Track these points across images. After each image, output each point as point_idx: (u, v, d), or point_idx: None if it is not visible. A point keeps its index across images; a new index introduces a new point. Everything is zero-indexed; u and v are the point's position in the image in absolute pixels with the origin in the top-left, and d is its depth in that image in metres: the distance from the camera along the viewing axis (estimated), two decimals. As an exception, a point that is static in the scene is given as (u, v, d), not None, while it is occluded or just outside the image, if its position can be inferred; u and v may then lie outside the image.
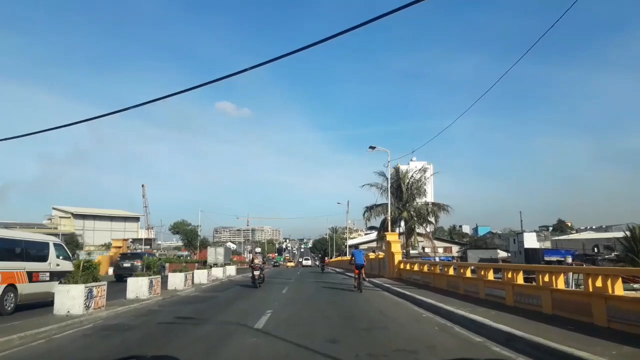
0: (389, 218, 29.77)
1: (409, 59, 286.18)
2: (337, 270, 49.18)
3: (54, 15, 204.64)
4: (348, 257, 54.44)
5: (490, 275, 12.70)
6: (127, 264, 27.87)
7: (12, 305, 11.68)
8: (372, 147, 28.71)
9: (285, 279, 28.20)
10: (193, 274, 22.07)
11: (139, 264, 24.43)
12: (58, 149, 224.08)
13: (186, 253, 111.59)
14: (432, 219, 34.09)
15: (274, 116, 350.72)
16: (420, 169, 34.78)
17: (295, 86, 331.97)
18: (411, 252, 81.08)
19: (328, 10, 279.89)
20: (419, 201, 34.01)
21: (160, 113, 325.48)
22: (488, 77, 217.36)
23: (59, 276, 13.08)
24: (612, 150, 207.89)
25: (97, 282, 11.47)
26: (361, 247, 65.43)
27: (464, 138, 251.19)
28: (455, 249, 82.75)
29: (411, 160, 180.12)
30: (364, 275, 17.80)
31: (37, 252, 13.23)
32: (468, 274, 14.14)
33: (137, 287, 14.63)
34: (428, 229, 34.26)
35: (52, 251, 13.82)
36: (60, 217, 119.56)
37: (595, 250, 53.48)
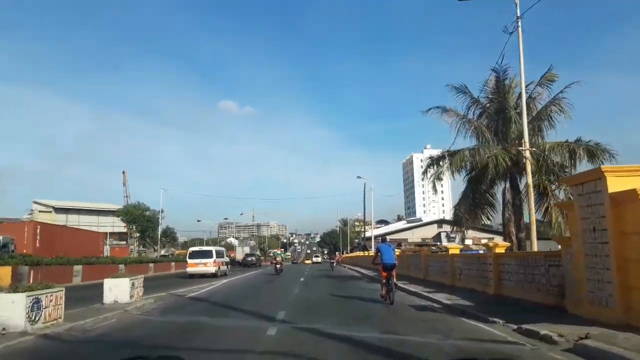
0: (528, 153, 11.80)
1: (416, 56, 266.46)
2: (361, 271, 32.02)
3: (58, 18, 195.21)
4: (369, 253, 37.70)
5: None
6: (249, 258, 54.85)
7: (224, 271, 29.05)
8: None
9: (270, 302, 10.70)
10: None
11: (254, 259, 54.03)
12: (63, 142, 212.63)
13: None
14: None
15: (278, 114, 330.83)
16: (543, 78, 16.52)
17: (299, 83, 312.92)
18: (446, 244, 62.49)
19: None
20: (548, 142, 15.95)
21: (163, 111, 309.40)
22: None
23: (226, 264, 31.17)
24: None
25: None
26: (388, 238, 47.53)
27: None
28: (489, 240, 64.63)
29: (425, 148, 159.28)
30: (395, 280, 11.79)
31: (223, 254, 31.42)
32: None
33: None
34: (561, 194, 15.70)
35: (224, 253, 33.12)
36: (40, 211, 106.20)
37: None
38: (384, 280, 11.64)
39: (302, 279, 24.23)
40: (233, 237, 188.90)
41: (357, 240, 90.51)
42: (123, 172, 74.32)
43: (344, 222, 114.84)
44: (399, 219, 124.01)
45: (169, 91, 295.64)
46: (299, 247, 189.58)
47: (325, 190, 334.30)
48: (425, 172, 17.41)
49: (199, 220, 78.72)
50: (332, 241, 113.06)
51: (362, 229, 65.09)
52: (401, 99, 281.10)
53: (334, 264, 40.72)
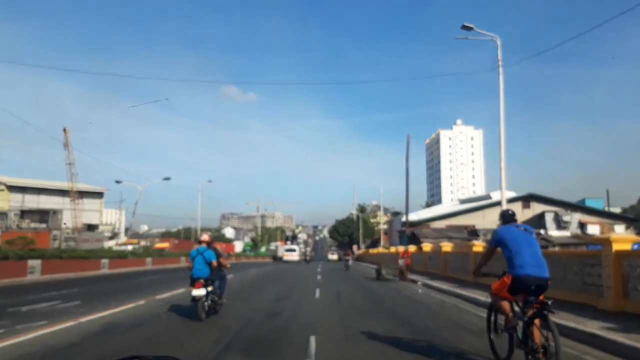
0: None
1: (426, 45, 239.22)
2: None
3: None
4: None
5: None
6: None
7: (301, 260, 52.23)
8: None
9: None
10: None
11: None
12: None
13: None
14: None
15: (283, 101, 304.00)
16: None
17: (307, 71, 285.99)
18: (554, 233, 37.72)
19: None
20: None
21: (168, 98, 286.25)
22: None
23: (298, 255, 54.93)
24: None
25: None
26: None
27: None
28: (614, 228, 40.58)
29: (455, 124, 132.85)
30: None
31: (298, 247, 64.60)
32: None
33: None
34: None
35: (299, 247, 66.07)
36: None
37: None
38: (511, 321, 4.40)
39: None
40: (233, 227, 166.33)
41: (381, 226, 66.18)
42: (64, 130, 50.73)
43: (361, 209, 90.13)
44: (428, 205, 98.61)
45: (171, 76, 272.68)
46: (301, 243, 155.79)
47: (334, 181, 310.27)
48: None
49: (118, 182, 54.58)
50: (346, 231, 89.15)
51: (404, 210, 40.59)
52: (415, 87, 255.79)
53: (349, 261, 33.78)
